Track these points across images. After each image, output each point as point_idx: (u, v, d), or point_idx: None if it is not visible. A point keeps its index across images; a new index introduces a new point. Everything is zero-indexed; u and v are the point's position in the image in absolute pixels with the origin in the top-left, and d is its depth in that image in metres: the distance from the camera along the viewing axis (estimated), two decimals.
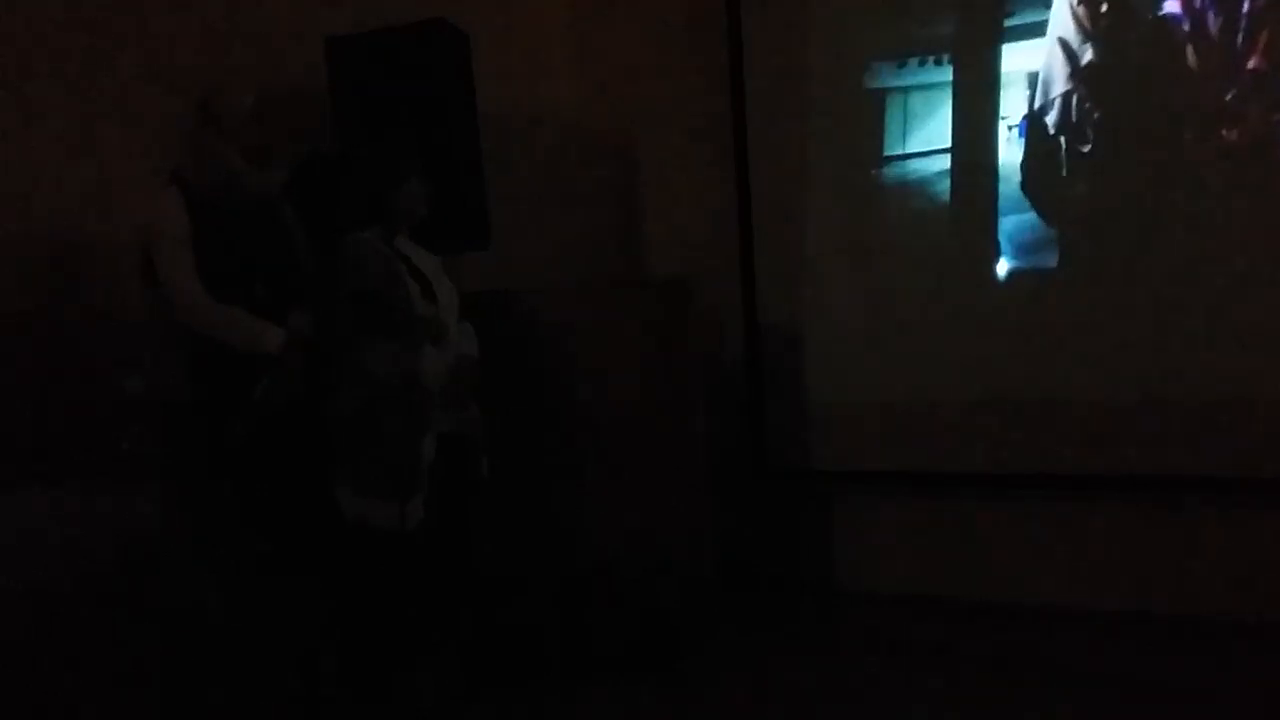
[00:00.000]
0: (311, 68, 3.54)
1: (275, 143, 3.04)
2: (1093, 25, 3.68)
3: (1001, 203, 3.90)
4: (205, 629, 2.87)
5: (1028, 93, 3.83)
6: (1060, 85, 3.76)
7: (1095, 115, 3.72)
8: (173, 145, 3.01)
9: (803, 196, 4.24)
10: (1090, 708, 3.06)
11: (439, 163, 3.14)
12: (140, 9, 3.44)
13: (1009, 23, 3.86)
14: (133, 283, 3.03)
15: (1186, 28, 3.55)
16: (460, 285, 3.12)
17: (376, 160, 2.97)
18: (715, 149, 4.33)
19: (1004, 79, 3.88)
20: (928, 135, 4.03)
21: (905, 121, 4.07)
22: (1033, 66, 3.83)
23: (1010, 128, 3.88)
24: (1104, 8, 3.66)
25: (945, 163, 4.00)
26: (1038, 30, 3.81)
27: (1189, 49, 3.56)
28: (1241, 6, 3.48)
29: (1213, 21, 3.50)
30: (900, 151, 4.09)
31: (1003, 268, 3.93)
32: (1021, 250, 3.90)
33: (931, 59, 4.01)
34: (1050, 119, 3.79)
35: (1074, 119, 3.75)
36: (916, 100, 4.05)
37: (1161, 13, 3.59)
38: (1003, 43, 3.87)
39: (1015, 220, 3.90)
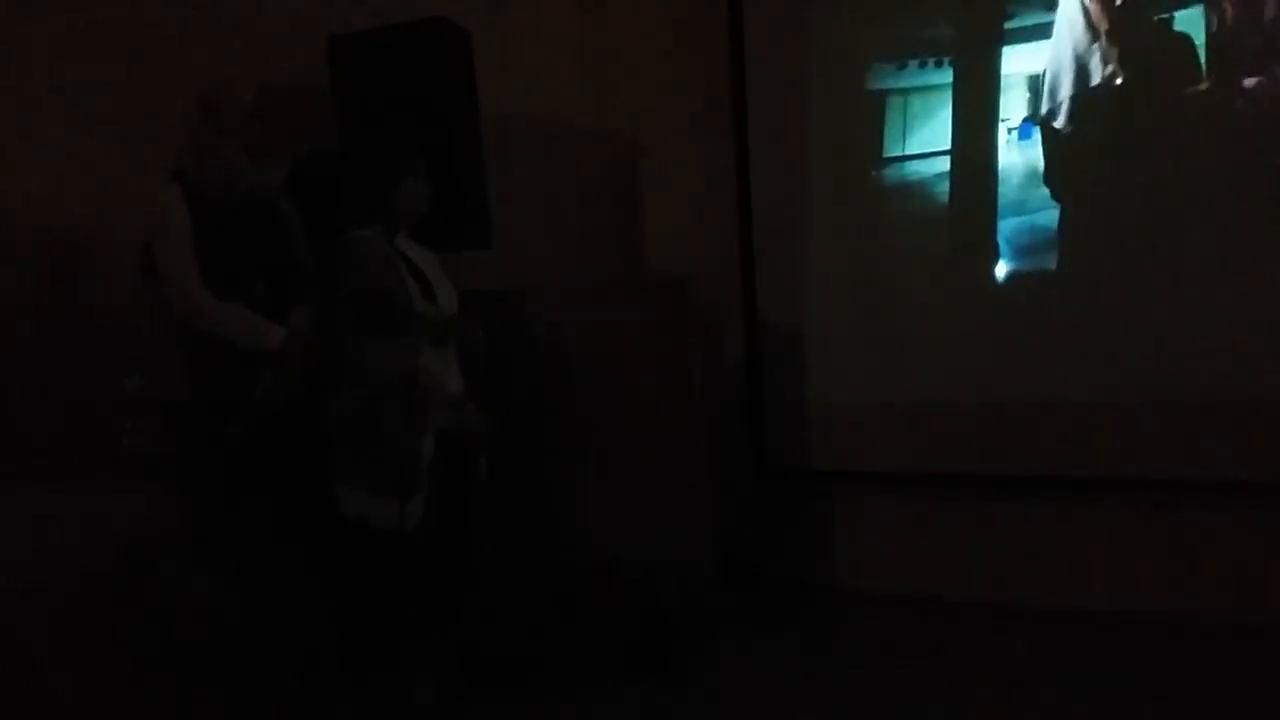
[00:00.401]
0: (313, 66, 3.54)
1: (276, 141, 3.04)
2: (1102, 25, 3.68)
3: (1001, 204, 3.91)
4: (205, 628, 2.87)
5: (1027, 95, 3.84)
6: (1068, 86, 3.76)
7: (1099, 115, 3.73)
8: (174, 144, 3.01)
9: (803, 197, 4.24)
10: (1090, 708, 3.06)
11: (441, 161, 3.14)
12: (140, 8, 3.44)
13: (1009, 25, 3.87)
14: (133, 282, 3.03)
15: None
16: (460, 284, 3.11)
17: (376, 158, 2.97)
18: (716, 149, 4.33)
19: (1004, 81, 3.88)
20: (928, 137, 4.04)
21: (905, 123, 4.08)
22: (1033, 69, 3.83)
23: (1010, 130, 3.89)
24: (1118, 2, 3.65)
25: (945, 164, 4.00)
26: (1038, 33, 3.82)
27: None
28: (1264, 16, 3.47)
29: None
30: (900, 153, 4.10)
31: (1002, 269, 3.94)
32: (1020, 252, 3.91)
33: (932, 61, 4.02)
34: (1058, 118, 3.79)
35: (1079, 119, 3.76)
36: (916, 102, 4.06)
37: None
38: (1003, 45, 3.88)
39: (1014, 222, 3.90)
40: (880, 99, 4.11)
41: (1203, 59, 3.57)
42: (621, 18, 4.52)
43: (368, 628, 2.84)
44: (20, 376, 3.04)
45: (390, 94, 3.39)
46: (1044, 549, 3.91)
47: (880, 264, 4.11)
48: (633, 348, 3.57)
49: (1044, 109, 3.82)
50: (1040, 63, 3.82)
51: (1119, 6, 3.67)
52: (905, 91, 4.09)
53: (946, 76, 3.99)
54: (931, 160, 4.04)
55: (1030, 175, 3.86)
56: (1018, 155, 3.88)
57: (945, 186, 4.01)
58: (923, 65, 4.04)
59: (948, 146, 3.99)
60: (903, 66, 4.07)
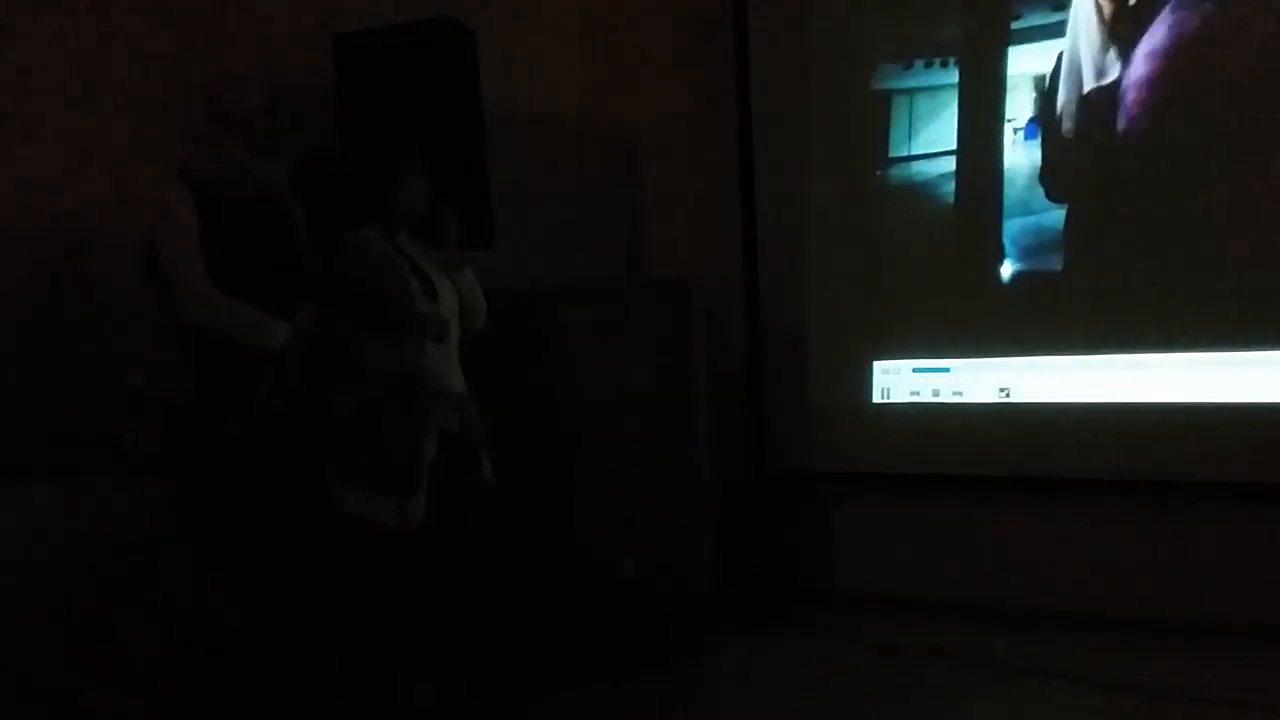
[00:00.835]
0: (318, 65, 3.54)
1: (281, 139, 3.04)
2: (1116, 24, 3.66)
3: (1006, 205, 3.90)
4: (205, 628, 2.88)
5: (1033, 95, 3.83)
6: (1079, 85, 3.75)
7: (1109, 115, 3.71)
8: (180, 141, 3.01)
9: (806, 196, 4.24)
10: (1090, 709, 3.07)
11: (444, 160, 3.14)
12: (144, 5, 3.44)
13: (1015, 25, 3.85)
14: (135, 279, 3.03)
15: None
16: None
17: (377, 158, 2.97)
18: (719, 148, 4.33)
19: (1010, 82, 3.88)
20: (933, 137, 4.04)
21: (910, 123, 4.08)
22: (1039, 69, 3.82)
23: (1016, 130, 3.88)
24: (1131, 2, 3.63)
25: (950, 165, 4.00)
26: (1044, 33, 3.81)
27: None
28: None
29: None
30: (905, 153, 4.09)
31: (1007, 269, 3.93)
32: (1025, 253, 3.90)
33: (937, 61, 4.01)
34: (1065, 118, 3.78)
35: (1088, 118, 3.74)
36: (922, 102, 4.05)
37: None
38: (1009, 45, 3.87)
39: (1019, 223, 3.89)
40: (885, 99, 4.11)
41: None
42: (627, 19, 4.52)
43: (367, 627, 2.85)
44: (20, 374, 3.05)
45: (395, 93, 3.38)
46: (1043, 549, 3.91)
47: (884, 264, 4.11)
48: (633, 348, 3.57)
49: (1057, 106, 3.78)
50: (1046, 63, 3.80)
51: (1132, 7, 3.64)
52: (911, 91, 4.08)
53: (952, 76, 3.99)
54: (937, 160, 4.04)
55: (1036, 176, 3.86)
56: (1023, 155, 3.87)
57: (950, 187, 4.01)
58: (928, 65, 4.04)
59: (953, 147, 3.99)
60: (908, 66, 4.07)
